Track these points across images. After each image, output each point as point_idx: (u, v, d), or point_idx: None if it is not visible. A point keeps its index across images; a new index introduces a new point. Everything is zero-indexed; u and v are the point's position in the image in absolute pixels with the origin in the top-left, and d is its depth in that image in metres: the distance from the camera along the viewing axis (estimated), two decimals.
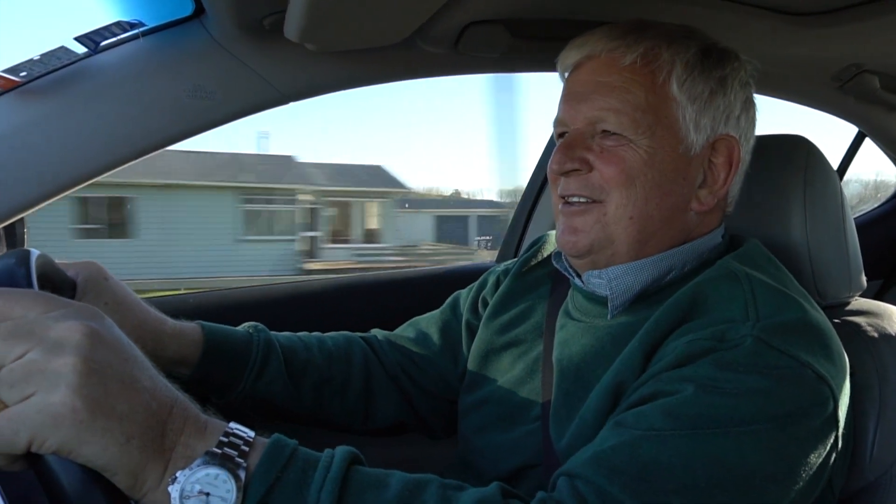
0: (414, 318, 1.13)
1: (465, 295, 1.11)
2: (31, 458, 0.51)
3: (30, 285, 0.62)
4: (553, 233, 1.05)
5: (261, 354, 0.92)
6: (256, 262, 15.00)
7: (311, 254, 16.99)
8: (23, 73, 0.92)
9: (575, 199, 0.84)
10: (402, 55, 1.11)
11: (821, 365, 0.69)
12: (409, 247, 18.86)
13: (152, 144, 1.02)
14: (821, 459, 0.68)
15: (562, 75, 0.91)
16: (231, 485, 0.52)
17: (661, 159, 0.81)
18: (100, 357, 0.50)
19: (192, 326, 0.89)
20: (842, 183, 1.02)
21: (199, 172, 14.81)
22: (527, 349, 0.94)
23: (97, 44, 0.95)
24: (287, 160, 18.11)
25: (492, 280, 1.07)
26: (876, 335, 0.91)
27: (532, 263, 1.04)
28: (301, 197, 17.09)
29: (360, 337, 1.08)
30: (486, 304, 1.05)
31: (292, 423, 0.97)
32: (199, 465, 0.52)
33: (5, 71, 0.91)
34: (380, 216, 19.31)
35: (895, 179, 2.15)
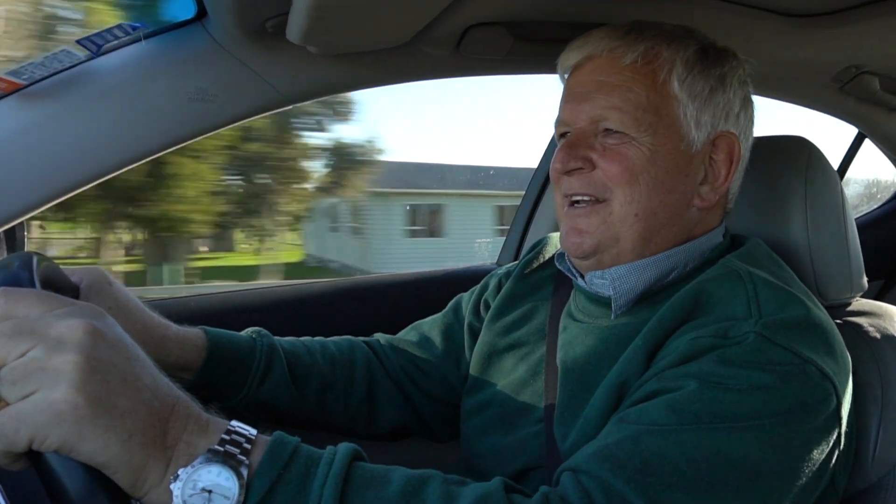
0: (416, 322, 1.12)
1: (466, 298, 1.11)
2: (33, 457, 0.50)
3: (32, 287, 0.62)
4: (554, 235, 1.05)
5: (264, 360, 0.92)
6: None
7: None
8: (25, 76, 0.92)
9: (579, 199, 0.84)
10: (404, 58, 1.12)
11: (824, 362, 0.69)
12: None
13: (155, 147, 1.02)
14: (823, 456, 0.68)
15: (562, 76, 0.91)
16: (233, 482, 0.52)
17: (663, 157, 0.81)
18: (102, 355, 0.50)
19: (195, 332, 0.88)
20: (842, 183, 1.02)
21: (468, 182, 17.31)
22: (529, 351, 0.94)
23: (99, 46, 0.95)
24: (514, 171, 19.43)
25: (493, 283, 1.07)
26: (878, 335, 0.91)
27: (534, 265, 1.04)
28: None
29: (363, 341, 1.07)
30: (487, 307, 1.04)
31: (295, 427, 0.96)
32: (201, 463, 0.52)
33: (8, 73, 0.92)
34: None
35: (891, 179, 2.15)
